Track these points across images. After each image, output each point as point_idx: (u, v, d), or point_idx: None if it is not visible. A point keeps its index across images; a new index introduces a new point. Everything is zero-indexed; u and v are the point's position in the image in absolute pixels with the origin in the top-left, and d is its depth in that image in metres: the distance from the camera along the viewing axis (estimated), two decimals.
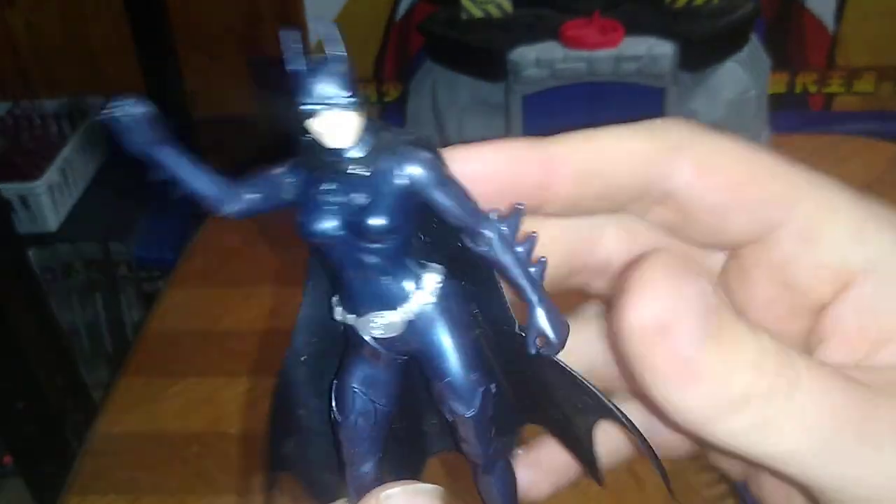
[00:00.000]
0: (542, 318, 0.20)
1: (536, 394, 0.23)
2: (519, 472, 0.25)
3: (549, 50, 0.77)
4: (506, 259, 0.20)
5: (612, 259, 0.26)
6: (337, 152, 0.19)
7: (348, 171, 0.19)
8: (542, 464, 0.27)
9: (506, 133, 0.81)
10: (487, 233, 0.20)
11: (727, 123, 0.82)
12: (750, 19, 0.82)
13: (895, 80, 0.98)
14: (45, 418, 0.89)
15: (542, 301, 0.20)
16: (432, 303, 0.21)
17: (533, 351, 0.21)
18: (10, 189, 1.16)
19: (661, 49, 0.76)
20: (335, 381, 0.22)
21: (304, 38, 0.18)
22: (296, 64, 0.18)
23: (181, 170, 0.19)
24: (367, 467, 0.22)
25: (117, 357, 1.31)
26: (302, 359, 0.23)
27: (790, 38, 0.97)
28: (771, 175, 0.22)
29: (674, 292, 0.18)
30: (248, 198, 0.19)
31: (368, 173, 0.19)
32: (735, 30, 0.81)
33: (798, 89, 1.00)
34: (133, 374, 0.69)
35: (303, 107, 0.18)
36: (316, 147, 0.18)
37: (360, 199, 0.19)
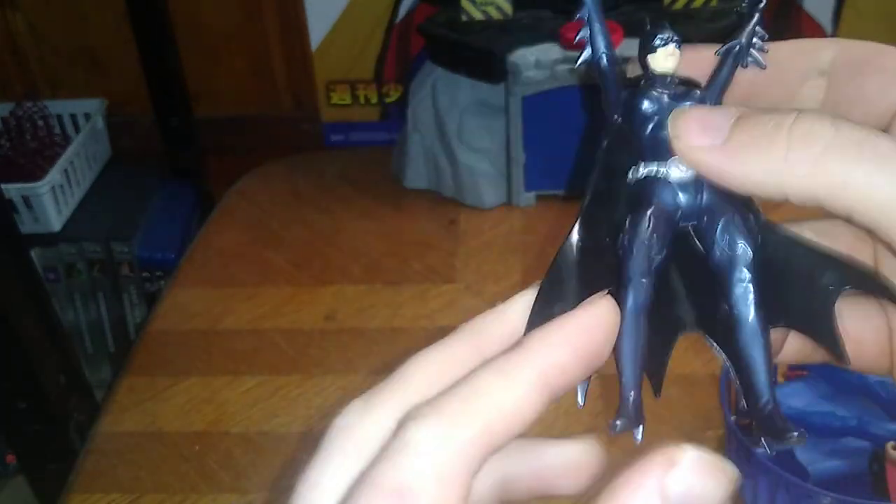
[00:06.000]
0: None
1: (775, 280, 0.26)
2: None
3: (548, 51, 0.77)
4: None
5: None
6: (664, 77, 0.26)
7: (673, 85, 0.26)
8: None
9: (505, 134, 0.81)
10: None
11: None
12: None
13: None
14: (48, 418, 0.89)
15: None
16: None
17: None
18: (13, 189, 1.16)
19: None
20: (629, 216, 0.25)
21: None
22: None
23: (601, 28, 0.25)
24: (646, 286, 0.25)
25: (120, 357, 1.31)
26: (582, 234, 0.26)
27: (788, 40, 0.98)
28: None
29: None
30: (611, 67, 0.26)
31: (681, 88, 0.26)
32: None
33: None
34: (135, 374, 0.69)
35: (655, 43, 0.25)
36: (643, 77, 0.26)
37: (676, 93, 0.26)
